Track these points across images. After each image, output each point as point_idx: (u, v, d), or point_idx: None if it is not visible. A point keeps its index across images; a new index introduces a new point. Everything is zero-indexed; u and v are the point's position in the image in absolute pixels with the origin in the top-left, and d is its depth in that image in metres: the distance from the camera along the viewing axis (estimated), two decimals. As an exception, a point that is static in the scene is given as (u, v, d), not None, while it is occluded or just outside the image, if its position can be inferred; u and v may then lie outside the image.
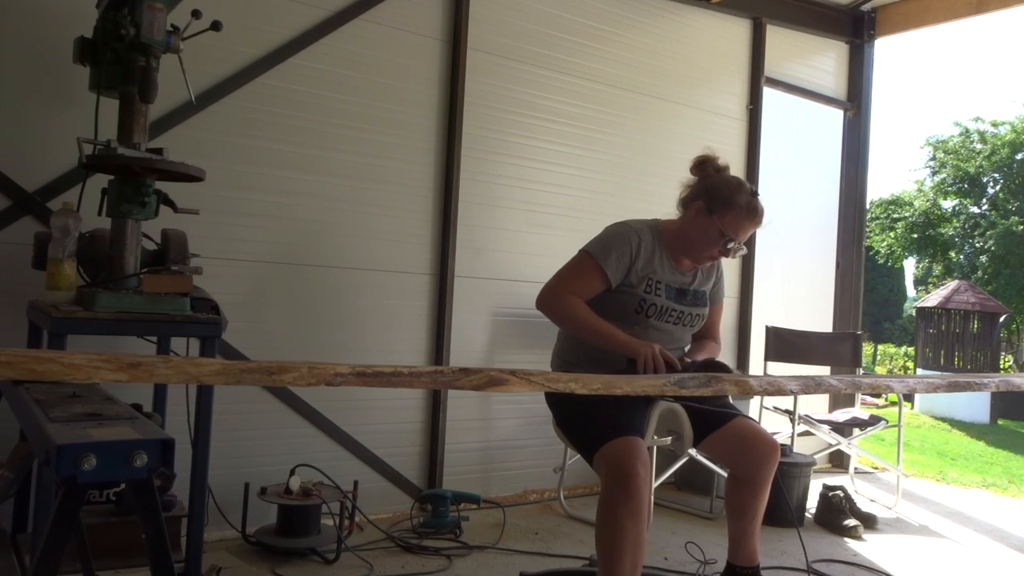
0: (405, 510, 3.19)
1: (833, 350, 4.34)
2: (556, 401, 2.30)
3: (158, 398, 2.61)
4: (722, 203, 2.20)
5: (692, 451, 3.07)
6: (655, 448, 2.62)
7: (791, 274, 4.69)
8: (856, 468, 4.38)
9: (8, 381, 1.47)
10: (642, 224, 2.32)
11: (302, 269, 3.05)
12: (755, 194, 2.24)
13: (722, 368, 2.09)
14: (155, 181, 2.25)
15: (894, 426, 4.07)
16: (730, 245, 2.21)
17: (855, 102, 4.88)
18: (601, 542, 1.97)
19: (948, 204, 19.50)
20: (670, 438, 2.26)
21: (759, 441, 2.23)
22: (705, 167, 2.30)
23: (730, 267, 3.40)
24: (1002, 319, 11.46)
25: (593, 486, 3.80)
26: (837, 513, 3.47)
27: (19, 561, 1.90)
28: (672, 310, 2.28)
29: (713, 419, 2.25)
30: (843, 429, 3.96)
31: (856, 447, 4.11)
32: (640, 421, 2.12)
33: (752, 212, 2.21)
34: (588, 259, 2.23)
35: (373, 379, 1.11)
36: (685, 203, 2.32)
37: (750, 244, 4.39)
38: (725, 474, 3.47)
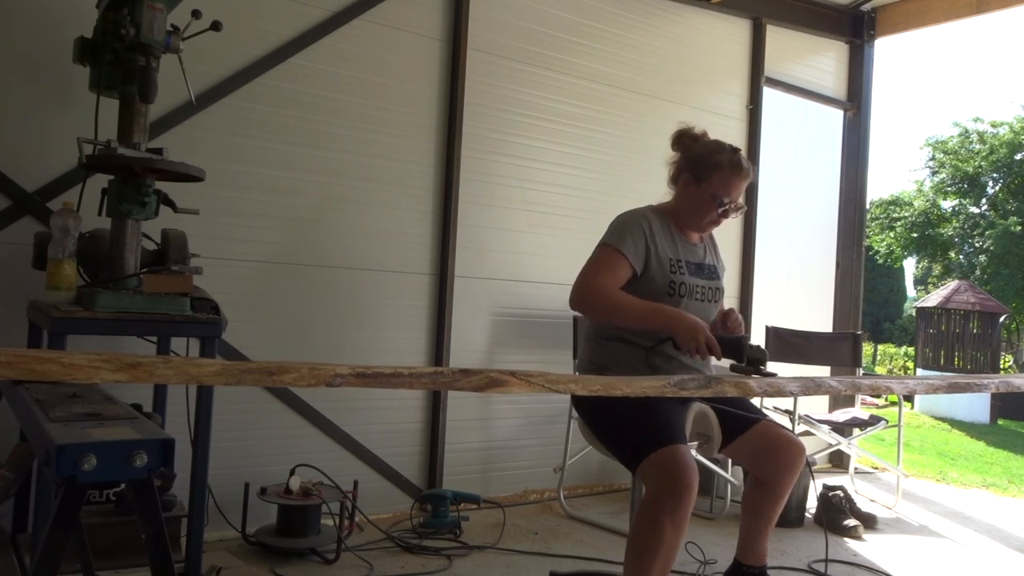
0: (405, 510, 3.19)
1: (833, 350, 4.34)
2: (591, 406, 2.24)
3: (158, 398, 2.61)
4: (706, 168, 2.25)
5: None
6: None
7: (791, 274, 4.69)
8: (856, 468, 4.38)
9: (8, 381, 1.47)
10: (643, 209, 2.34)
11: (302, 269, 3.05)
12: (736, 150, 2.29)
13: (755, 348, 2.01)
14: (155, 181, 2.25)
15: (894, 426, 4.07)
16: (725, 206, 2.25)
17: (855, 102, 4.88)
18: (636, 544, 1.94)
19: (947, 204, 19.54)
20: (698, 442, 2.23)
21: (787, 445, 2.19)
22: (683, 140, 2.35)
23: (730, 267, 3.40)
24: (1002, 319, 11.47)
25: (593, 486, 3.80)
26: (837, 513, 3.46)
27: (19, 561, 1.90)
28: (698, 287, 2.28)
29: (739, 422, 2.21)
30: (843, 429, 3.95)
31: (856, 447, 4.11)
32: (681, 426, 2.07)
33: (736, 168, 2.25)
34: (607, 249, 2.22)
35: (373, 380, 1.11)
36: (674, 179, 2.37)
37: (750, 241, 4.40)
38: (726, 475, 3.50)
